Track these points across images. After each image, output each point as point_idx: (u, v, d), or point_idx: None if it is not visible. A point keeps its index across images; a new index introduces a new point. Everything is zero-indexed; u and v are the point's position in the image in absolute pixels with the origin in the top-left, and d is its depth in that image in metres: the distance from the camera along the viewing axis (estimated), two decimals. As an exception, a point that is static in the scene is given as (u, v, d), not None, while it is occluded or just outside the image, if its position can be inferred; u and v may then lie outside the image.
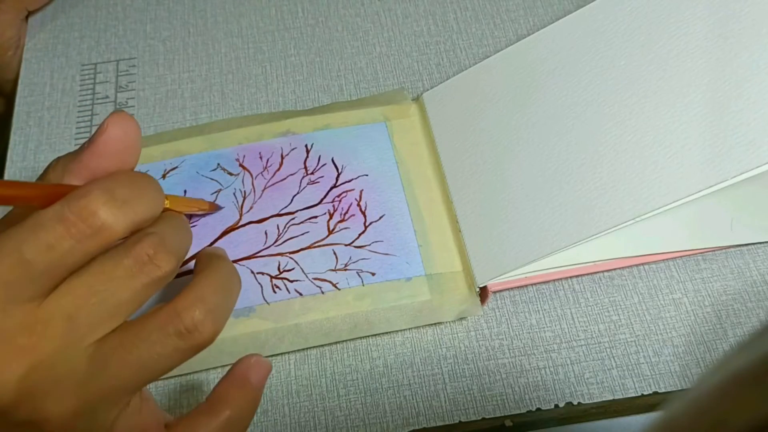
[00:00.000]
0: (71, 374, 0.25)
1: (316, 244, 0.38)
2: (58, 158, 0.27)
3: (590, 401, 0.35)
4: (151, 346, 0.25)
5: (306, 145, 0.41)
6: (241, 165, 0.40)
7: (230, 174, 0.40)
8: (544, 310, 0.38)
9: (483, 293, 0.37)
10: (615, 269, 0.38)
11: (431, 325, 0.37)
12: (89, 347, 0.25)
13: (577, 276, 0.38)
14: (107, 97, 0.45)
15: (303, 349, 0.37)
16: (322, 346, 0.37)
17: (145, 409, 0.28)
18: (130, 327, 0.26)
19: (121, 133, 0.26)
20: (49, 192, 0.25)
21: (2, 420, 0.25)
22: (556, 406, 0.35)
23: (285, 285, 0.37)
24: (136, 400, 0.27)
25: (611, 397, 0.35)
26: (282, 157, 0.41)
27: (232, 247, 0.38)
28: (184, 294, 0.26)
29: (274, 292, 0.36)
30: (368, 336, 0.37)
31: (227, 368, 0.36)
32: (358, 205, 0.39)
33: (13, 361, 0.24)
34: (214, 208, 0.38)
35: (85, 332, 0.25)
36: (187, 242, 0.28)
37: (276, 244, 0.38)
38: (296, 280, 0.37)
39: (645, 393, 0.35)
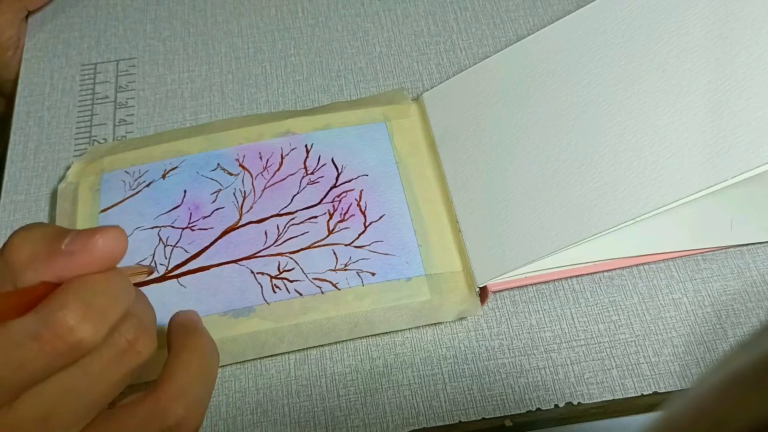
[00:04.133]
0: None
1: (316, 244, 0.38)
2: (27, 234, 0.24)
3: (590, 401, 0.35)
4: None
5: (306, 145, 0.41)
6: (241, 165, 0.40)
7: (230, 174, 0.40)
8: (544, 310, 0.38)
9: (483, 293, 0.37)
10: (615, 269, 0.38)
11: (431, 325, 0.37)
12: None
13: (577, 276, 0.38)
14: (107, 97, 0.45)
15: (303, 349, 0.37)
16: (322, 346, 0.37)
17: None
18: (109, 421, 0.24)
19: (110, 251, 0.24)
20: (18, 302, 0.23)
21: None
22: (556, 406, 0.35)
23: (285, 285, 0.37)
24: None
25: (611, 397, 0.35)
26: (282, 157, 0.41)
27: (232, 247, 0.38)
28: (165, 384, 0.25)
29: (274, 292, 0.36)
30: (368, 336, 0.37)
31: (228, 368, 0.36)
32: (358, 205, 0.39)
33: None
34: (151, 271, 0.35)
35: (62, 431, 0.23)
36: (155, 316, 0.27)
37: (276, 244, 0.38)
38: (296, 280, 0.37)
39: (645, 393, 0.35)
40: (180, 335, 0.28)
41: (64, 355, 0.23)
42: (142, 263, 0.37)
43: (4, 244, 0.24)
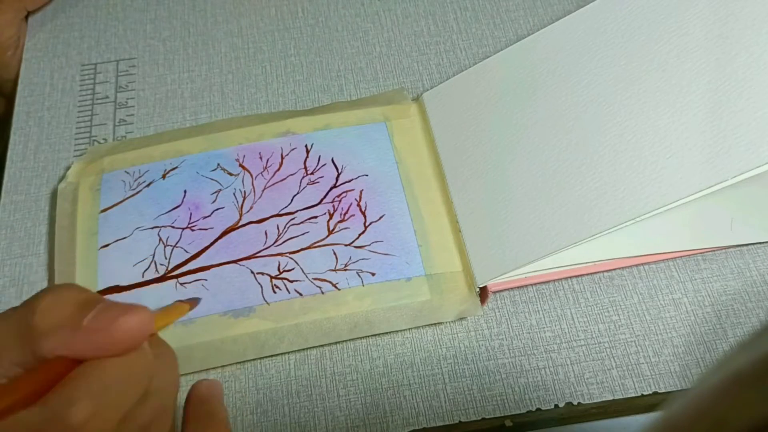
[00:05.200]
0: None
1: (316, 244, 0.38)
2: (53, 300, 0.23)
3: (590, 401, 0.35)
4: None
5: (306, 145, 0.41)
6: (241, 165, 0.40)
7: (230, 174, 0.40)
8: (544, 310, 0.38)
9: (483, 293, 0.37)
10: (615, 269, 0.38)
11: (431, 325, 0.37)
12: None
13: (577, 276, 0.38)
14: (107, 97, 0.45)
15: (303, 349, 0.37)
16: (322, 346, 0.37)
17: None
18: None
19: (131, 333, 0.23)
20: (29, 388, 0.22)
21: None
22: (556, 406, 0.35)
23: (285, 285, 0.37)
24: None
25: (611, 397, 0.35)
26: (282, 157, 0.41)
27: (232, 247, 0.38)
28: None
29: (274, 292, 0.36)
30: (368, 336, 0.37)
31: (228, 368, 0.36)
32: (358, 205, 0.39)
33: None
34: (195, 304, 0.33)
35: None
36: (176, 382, 0.26)
37: (276, 244, 0.38)
38: (296, 280, 0.37)
39: (645, 393, 0.35)
40: (199, 410, 0.27)
41: None
42: (143, 262, 0.37)
43: (31, 303, 0.23)
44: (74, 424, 0.21)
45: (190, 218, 0.39)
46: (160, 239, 0.38)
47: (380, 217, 0.38)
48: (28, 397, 0.22)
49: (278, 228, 0.38)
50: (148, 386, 0.24)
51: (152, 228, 0.38)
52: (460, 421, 0.35)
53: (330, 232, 0.38)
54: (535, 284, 0.38)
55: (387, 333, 0.37)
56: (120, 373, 0.23)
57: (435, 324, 0.37)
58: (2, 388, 0.22)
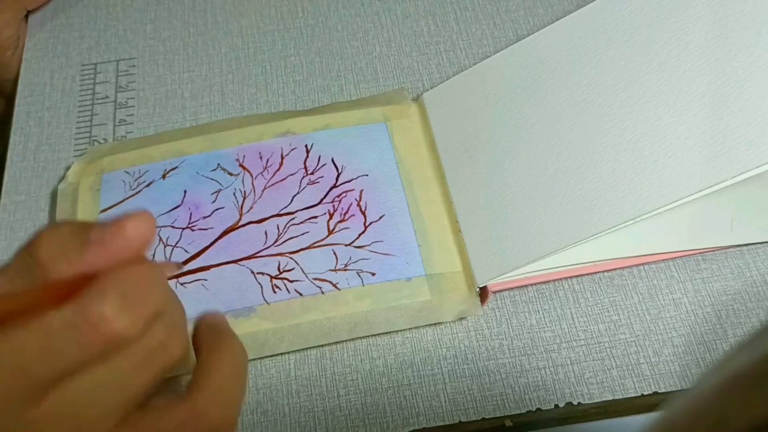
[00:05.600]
0: None
1: (316, 244, 0.38)
2: (55, 231, 0.24)
3: (590, 401, 0.35)
4: None
5: (306, 145, 0.41)
6: (241, 165, 0.40)
7: (230, 174, 0.40)
8: (544, 310, 0.38)
9: (483, 293, 0.37)
10: (615, 269, 0.38)
11: (431, 325, 0.37)
12: None
13: (577, 276, 0.38)
14: (107, 97, 0.45)
15: (303, 349, 0.37)
16: (322, 346, 0.37)
17: None
18: (144, 424, 0.24)
19: (140, 235, 0.24)
20: (55, 293, 0.23)
21: None
22: (556, 406, 0.35)
23: (285, 285, 0.37)
24: None
25: (611, 397, 0.35)
26: (282, 157, 0.41)
27: (232, 247, 0.38)
28: (201, 389, 0.25)
29: (274, 292, 0.36)
30: (368, 336, 0.37)
31: (227, 368, 0.36)
32: (358, 205, 0.39)
33: None
34: (181, 267, 0.36)
35: (90, 430, 0.23)
36: (185, 315, 0.27)
37: (276, 244, 0.38)
38: (296, 280, 0.37)
39: (645, 393, 0.35)
40: (209, 337, 0.28)
41: (99, 347, 0.22)
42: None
43: (30, 241, 0.24)
44: (105, 316, 0.22)
45: (190, 218, 0.39)
46: (160, 239, 0.38)
47: (380, 217, 0.38)
48: (54, 302, 0.22)
49: (278, 228, 0.38)
50: (163, 305, 0.24)
51: (152, 228, 0.38)
52: (460, 421, 0.35)
53: (330, 232, 0.38)
54: (535, 284, 0.38)
55: (387, 333, 0.37)
56: (142, 276, 0.24)
57: (435, 324, 0.37)
58: (26, 291, 0.23)
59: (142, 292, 0.23)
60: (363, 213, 0.39)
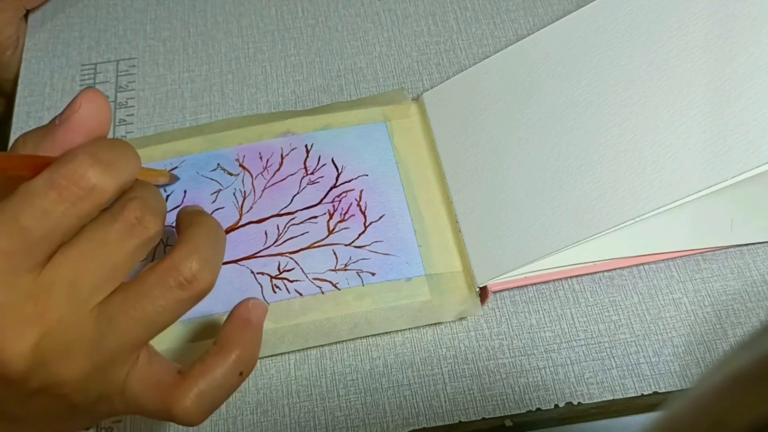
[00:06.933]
0: (80, 337, 0.26)
1: (316, 244, 0.38)
2: (24, 135, 0.28)
3: (590, 401, 0.35)
4: (153, 300, 0.26)
5: (306, 145, 0.41)
6: (241, 165, 0.40)
7: (230, 174, 0.40)
8: (544, 310, 0.38)
9: (483, 293, 0.37)
10: (615, 269, 0.38)
11: (431, 325, 0.37)
12: (94, 309, 0.26)
13: (577, 276, 0.38)
14: (107, 97, 0.45)
15: (303, 349, 0.37)
16: (322, 346, 0.37)
17: (155, 361, 0.29)
18: (130, 286, 0.27)
19: (94, 108, 0.27)
20: (31, 162, 0.26)
21: (19, 389, 0.25)
22: (556, 406, 0.35)
23: (285, 285, 0.37)
24: (144, 354, 0.28)
25: (611, 397, 0.35)
26: (282, 157, 0.41)
27: (232, 247, 0.38)
28: (178, 248, 0.28)
29: (274, 292, 0.36)
30: (368, 336, 0.37)
31: (227, 368, 0.36)
32: (358, 205, 0.39)
33: (24, 331, 0.25)
34: (173, 179, 0.39)
35: (88, 296, 0.26)
36: (164, 205, 0.29)
37: (276, 244, 0.38)
38: (296, 280, 0.37)
39: (645, 393, 0.35)
40: (187, 218, 0.31)
41: (82, 201, 0.25)
42: (143, 262, 0.37)
43: (10, 149, 0.28)
44: (79, 172, 0.25)
45: (190, 218, 0.39)
46: (160, 239, 0.38)
47: (380, 217, 0.38)
48: (29, 172, 0.25)
49: (278, 228, 0.38)
50: (137, 191, 0.27)
51: (152, 228, 0.38)
52: (460, 421, 0.35)
53: (330, 232, 0.38)
54: (535, 284, 0.38)
55: (387, 333, 0.37)
56: (109, 142, 0.27)
57: (435, 324, 0.37)
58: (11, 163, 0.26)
59: (111, 155, 0.26)
60: (363, 213, 0.39)
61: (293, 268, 0.37)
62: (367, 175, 0.40)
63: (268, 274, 0.37)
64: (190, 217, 0.31)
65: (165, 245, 0.38)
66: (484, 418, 0.35)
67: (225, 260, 0.37)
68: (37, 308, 0.25)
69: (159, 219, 0.27)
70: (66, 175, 0.25)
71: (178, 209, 0.39)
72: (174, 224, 0.38)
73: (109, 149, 0.26)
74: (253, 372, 0.36)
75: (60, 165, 0.25)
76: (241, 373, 0.30)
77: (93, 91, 0.28)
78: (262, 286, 0.36)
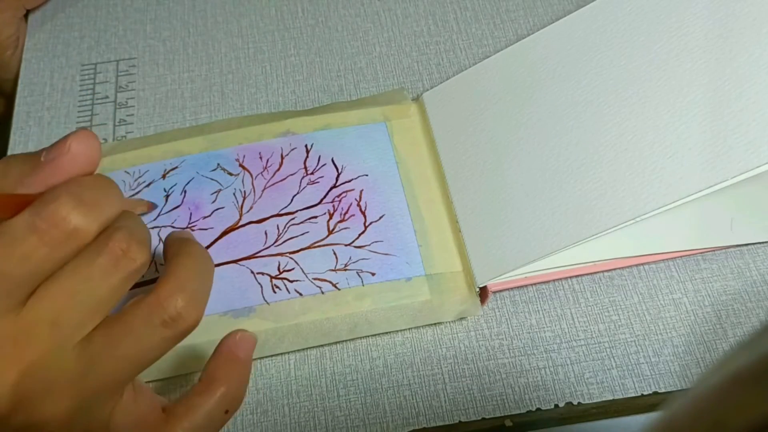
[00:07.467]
0: (63, 375, 0.25)
1: (316, 244, 0.38)
2: (9, 161, 0.27)
3: (590, 401, 0.35)
4: (137, 338, 0.26)
5: (306, 145, 0.41)
6: (241, 165, 0.40)
7: (230, 174, 0.40)
8: (544, 310, 0.38)
9: (483, 293, 0.37)
10: (615, 269, 0.38)
11: (431, 325, 0.37)
12: (76, 347, 0.25)
13: (577, 276, 0.38)
14: (107, 97, 0.45)
15: (303, 349, 0.37)
16: (322, 346, 0.37)
17: (140, 398, 0.28)
18: (114, 322, 0.26)
19: (84, 150, 0.27)
20: (11, 202, 0.25)
21: (1, 428, 0.25)
22: (556, 406, 0.35)
23: (285, 285, 0.37)
24: (129, 391, 0.28)
25: (611, 397, 0.35)
26: (282, 157, 0.41)
27: (232, 247, 0.38)
28: (163, 283, 0.27)
29: (274, 292, 0.36)
30: (368, 336, 0.37)
31: (227, 368, 0.36)
32: (358, 205, 0.39)
33: (5, 370, 0.24)
34: (152, 207, 0.38)
35: (70, 333, 0.25)
36: (149, 233, 0.28)
37: (276, 244, 0.38)
38: (296, 280, 0.37)
39: (645, 393, 0.35)
40: (174, 245, 0.30)
41: (63, 244, 0.24)
42: None
43: None
44: (60, 214, 0.24)
45: (190, 218, 0.39)
46: (160, 239, 0.38)
47: (380, 217, 0.38)
48: (13, 212, 0.25)
49: (278, 228, 0.38)
50: (122, 221, 0.26)
51: (152, 228, 0.38)
52: (460, 421, 0.35)
53: (330, 232, 0.38)
54: (535, 284, 0.38)
55: (387, 333, 0.37)
56: (92, 181, 0.26)
57: (435, 324, 0.37)
58: None
59: (94, 195, 0.25)
60: (363, 213, 0.39)
61: (293, 268, 0.37)
62: (367, 175, 0.40)
63: (268, 274, 0.37)
64: (177, 245, 0.30)
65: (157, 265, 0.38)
66: (484, 418, 0.35)
67: (225, 260, 0.37)
68: (18, 348, 0.24)
69: (145, 249, 0.26)
70: (47, 218, 0.24)
71: (175, 212, 0.39)
72: (172, 224, 0.39)
73: (92, 188, 0.26)
74: (253, 372, 0.36)
75: (41, 206, 0.24)
76: (226, 411, 0.30)
77: (85, 133, 0.27)
78: (262, 286, 0.36)
